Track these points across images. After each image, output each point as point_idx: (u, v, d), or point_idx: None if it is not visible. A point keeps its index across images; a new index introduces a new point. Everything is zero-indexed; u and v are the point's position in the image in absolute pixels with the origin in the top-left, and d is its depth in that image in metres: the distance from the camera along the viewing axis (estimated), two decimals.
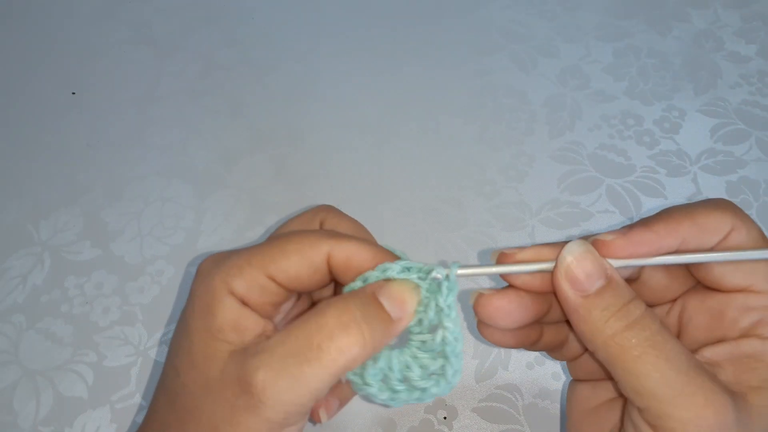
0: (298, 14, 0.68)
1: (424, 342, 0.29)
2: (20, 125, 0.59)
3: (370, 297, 0.27)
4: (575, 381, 0.35)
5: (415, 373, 0.28)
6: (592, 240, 0.28)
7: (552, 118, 0.58)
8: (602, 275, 0.26)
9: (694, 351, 0.28)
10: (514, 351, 0.45)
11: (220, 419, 0.25)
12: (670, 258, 0.28)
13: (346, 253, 0.28)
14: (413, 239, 0.50)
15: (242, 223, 0.52)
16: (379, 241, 0.33)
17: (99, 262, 0.50)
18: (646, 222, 0.28)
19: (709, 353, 0.28)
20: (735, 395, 0.25)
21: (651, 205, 0.52)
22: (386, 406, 0.32)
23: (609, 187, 0.53)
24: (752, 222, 0.28)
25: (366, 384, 0.28)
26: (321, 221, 0.33)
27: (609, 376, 0.29)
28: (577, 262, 0.27)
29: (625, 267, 0.28)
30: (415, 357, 0.29)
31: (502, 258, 0.29)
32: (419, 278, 0.28)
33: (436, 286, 0.28)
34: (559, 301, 0.28)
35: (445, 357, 0.28)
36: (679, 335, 0.31)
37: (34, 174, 0.56)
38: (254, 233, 0.51)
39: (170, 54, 0.64)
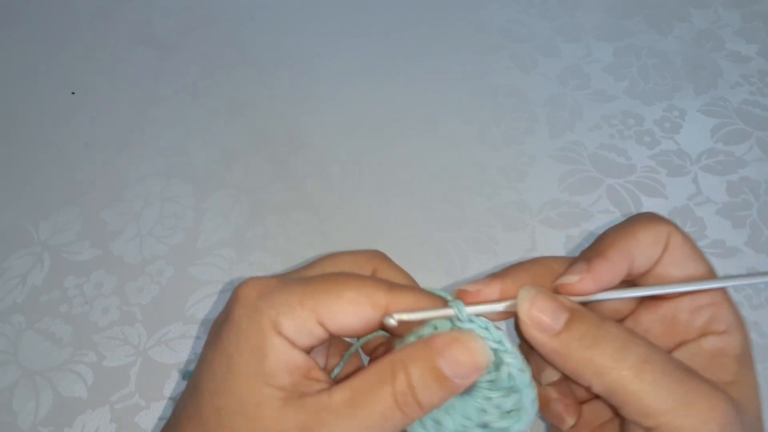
0: (298, 14, 0.68)
1: (492, 381, 0.27)
2: (20, 125, 0.59)
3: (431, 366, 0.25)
4: None
5: (493, 415, 0.27)
6: (557, 285, 0.28)
7: (552, 118, 0.58)
8: (563, 309, 0.26)
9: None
10: None
11: None
12: (632, 291, 0.28)
13: (404, 309, 0.27)
14: (413, 239, 0.50)
15: (242, 223, 0.52)
16: (379, 247, 0.33)
17: (98, 262, 0.50)
18: (598, 252, 0.28)
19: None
20: (728, 394, 0.26)
21: (651, 205, 0.52)
22: None
23: (609, 187, 0.53)
24: (684, 232, 0.29)
25: None
26: (374, 269, 0.31)
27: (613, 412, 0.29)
28: (534, 306, 0.26)
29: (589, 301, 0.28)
30: (487, 399, 0.28)
31: (462, 296, 0.28)
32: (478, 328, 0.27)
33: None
34: (537, 351, 0.27)
35: (517, 391, 0.27)
36: None
37: (34, 174, 0.55)
38: (254, 233, 0.51)
39: (170, 54, 0.64)
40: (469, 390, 0.28)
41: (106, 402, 0.43)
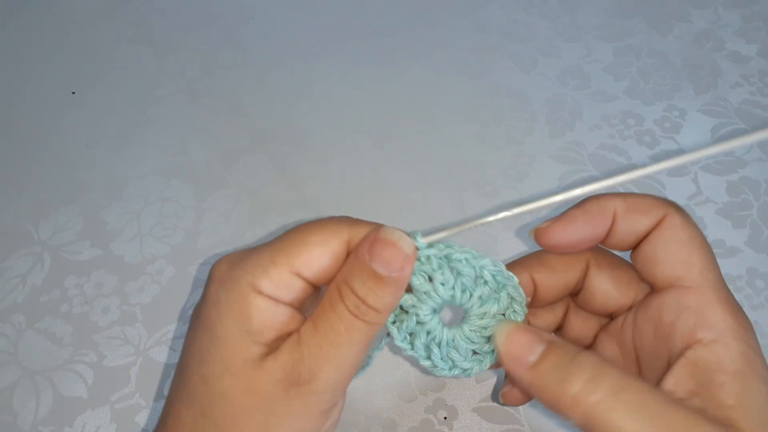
0: (298, 14, 0.68)
1: (480, 297, 0.29)
2: (20, 125, 0.59)
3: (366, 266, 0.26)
4: None
5: (460, 355, 0.30)
6: (533, 231, 0.29)
7: (552, 118, 0.58)
8: (539, 341, 0.26)
9: (659, 384, 0.26)
10: None
11: (272, 418, 0.25)
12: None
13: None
14: None
15: (242, 223, 0.52)
16: None
17: (99, 261, 0.50)
18: (579, 203, 0.29)
19: (672, 385, 0.26)
20: (720, 424, 0.23)
21: None
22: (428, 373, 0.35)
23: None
24: (689, 218, 0.28)
25: (413, 350, 0.29)
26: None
27: None
28: (510, 340, 0.26)
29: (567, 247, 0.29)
30: (468, 339, 0.30)
31: (539, 235, 0.30)
32: (492, 271, 0.29)
33: (505, 278, 0.29)
34: (516, 385, 0.28)
35: (503, 287, 0.30)
36: (636, 354, 0.30)
37: (34, 174, 0.55)
38: (254, 233, 0.51)
39: (170, 54, 0.64)
40: (463, 319, 0.30)
41: (107, 402, 0.43)
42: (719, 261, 0.28)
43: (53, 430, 0.42)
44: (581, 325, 0.34)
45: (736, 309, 0.26)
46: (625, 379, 0.23)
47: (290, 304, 0.27)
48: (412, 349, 0.29)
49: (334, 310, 0.26)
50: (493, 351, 0.30)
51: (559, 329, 0.35)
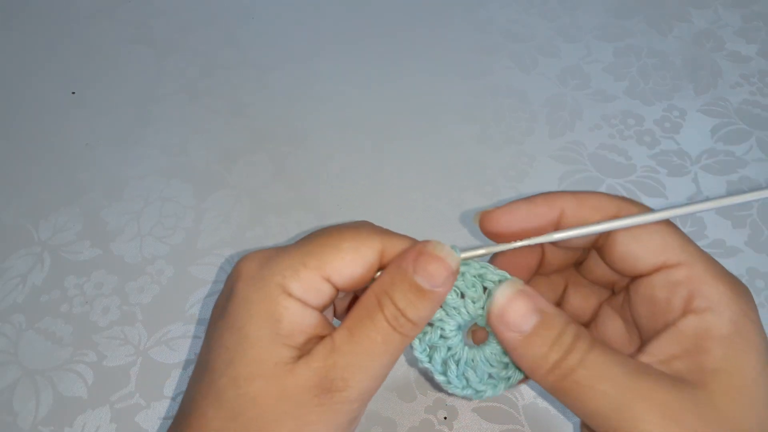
0: (298, 14, 0.68)
1: (504, 354, 0.29)
2: (20, 125, 0.59)
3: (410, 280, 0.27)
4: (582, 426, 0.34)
5: (476, 376, 0.29)
6: (478, 214, 0.29)
7: (552, 118, 0.58)
8: (534, 312, 0.26)
9: (642, 350, 0.27)
10: None
11: (303, 425, 0.25)
12: (561, 234, 0.28)
13: (399, 250, 0.27)
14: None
15: (242, 223, 0.52)
16: None
17: (99, 261, 0.50)
18: (529, 197, 0.29)
19: (657, 348, 0.26)
20: (687, 388, 0.24)
21: (651, 204, 0.52)
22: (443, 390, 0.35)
23: (609, 187, 0.53)
24: (639, 203, 0.28)
25: (430, 363, 0.29)
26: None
27: None
28: (509, 304, 0.26)
29: (528, 244, 0.29)
30: (487, 362, 0.29)
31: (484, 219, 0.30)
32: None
33: None
34: (498, 339, 0.28)
35: (515, 369, 0.29)
36: (638, 328, 0.30)
37: (34, 174, 0.56)
38: (254, 233, 0.51)
39: (170, 54, 0.64)
40: (488, 339, 0.29)
41: (106, 402, 0.43)
42: (719, 261, 0.28)
43: (53, 430, 0.42)
44: (580, 301, 0.33)
45: (728, 278, 0.26)
46: (593, 352, 0.24)
47: (317, 308, 0.27)
48: (430, 362, 0.29)
49: (372, 319, 0.26)
50: (509, 378, 0.29)
51: (557, 306, 0.35)
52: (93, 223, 0.52)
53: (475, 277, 0.28)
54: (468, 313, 0.28)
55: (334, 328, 0.27)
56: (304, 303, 0.26)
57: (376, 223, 0.36)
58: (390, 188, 0.54)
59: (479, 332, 0.33)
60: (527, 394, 0.43)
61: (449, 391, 0.29)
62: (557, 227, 0.29)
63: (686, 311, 0.26)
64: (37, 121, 0.59)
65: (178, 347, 0.46)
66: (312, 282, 0.26)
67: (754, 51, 0.62)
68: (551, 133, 0.57)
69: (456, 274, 0.27)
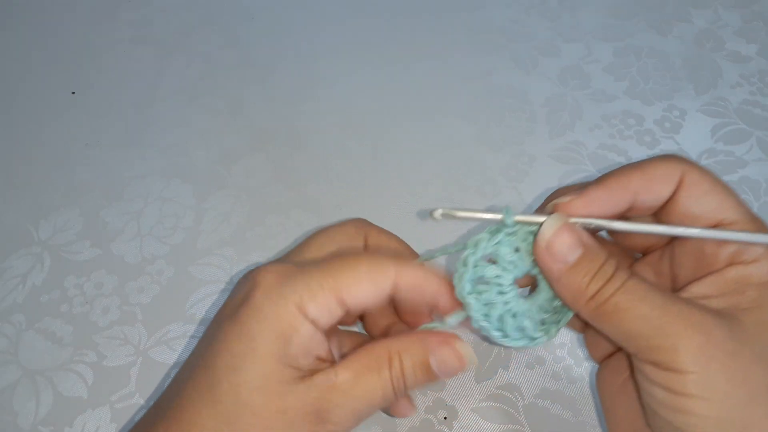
0: (298, 14, 0.68)
1: (555, 298, 0.31)
2: (20, 125, 0.59)
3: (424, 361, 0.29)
4: (600, 367, 0.35)
5: (531, 325, 0.30)
6: (553, 204, 0.30)
7: (552, 118, 0.58)
8: (579, 245, 0.28)
9: (682, 289, 0.29)
10: (513, 351, 0.45)
11: None
12: (646, 227, 0.29)
13: (412, 281, 0.29)
14: (414, 240, 0.50)
15: (242, 223, 0.52)
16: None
17: (99, 261, 0.50)
18: (600, 179, 0.30)
19: (695, 288, 0.28)
20: (722, 316, 0.25)
21: None
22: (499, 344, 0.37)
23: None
24: (704, 169, 0.29)
25: (487, 320, 0.30)
26: (365, 235, 0.34)
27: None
28: (555, 236, 0.28)
29: (599, 227, 0.30)
30: (540, 309, 0.31)
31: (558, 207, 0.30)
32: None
33: None
34: (542, 271, 0.29)
35: (565, 311, 0.31)
36: (673, 281, 0.31)
37: (34, 174, 0.56)
38: (254, 233, 0.51)
39: (170, 54, 0.64)
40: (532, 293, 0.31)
41: (107, 402, 0.43)
42: None
43: (53, 430, 0.42)
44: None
45: None
46: (632, 281, 0.26)
47: (326, 327, 0.28)
48: (487, 319, 0.30)
49: (380, 374, 0.28)
50: (559, 321, 0.31)
51: None
52: (93, 223, 0.52)
53: (527, 233, 0.30)
54: (525, 265, 0.30)
55: (329, 349, 0.29)
56: (316, 324, 0.27)
57: (376, 223, 0.36)
58: (390, 188, 0.54)
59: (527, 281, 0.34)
60: (527, 393, 0.43)
61: (506, 344, 0.31)
62: (631, 209, 0.30)
63: (732, 263, 0.27)
64: (37, 121, 0.59)
65: (178, 347, 0.46)
66: (327, 303, 0.27)
67: (754, 51, 0.62)
68: (551, 133, 0.57)
69: (465, 371, 0.30)
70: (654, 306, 0.25)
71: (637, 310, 0.25)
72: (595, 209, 0.29)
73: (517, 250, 0.31)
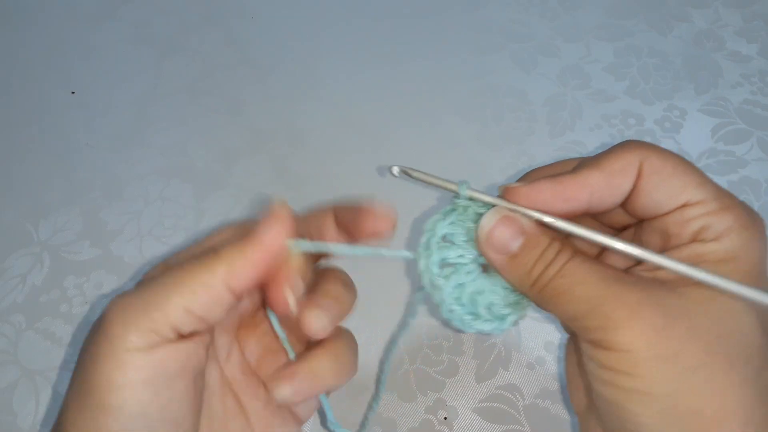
0: (298, 14, 0.68)
1: None
2: (20, 125, 0.59)
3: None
4: (566, 349, 0.35)
5: (501, 302, 0.30)
6: (503, 188, 0.30)
7: (552, 118, 0.58)
8: (519, 234, 0.28)
9: (637, 265, 0.28)
10: (514, 351, 0.45)
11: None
12: (602, 238, 0.28)
13: (241, 272, 0.29)
14: (413, 240, 0.50)
15: None
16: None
17: (98, 261, 0.50)
18: (565, 174, 0.29)
19: (649, 265, 0.28)
20: (666, 291, 0.26)
21: None
22: (459, 330, 0.36)
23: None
24: (664, 151, 0.28)
25: (459, 304, 0.30)
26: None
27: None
28: (494, 228, 0.28)
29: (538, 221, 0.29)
30: (505, 288, 0.30)
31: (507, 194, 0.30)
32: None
33: None
34: (487, 261, 0.29)
35: None
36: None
37: (34, 174, 0.55)
38: None
39: (170, 54, 0.64)
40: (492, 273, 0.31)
41: None
42: None
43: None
44: (584, 245, 0.34)
45: (739, 210, 0.27)
46: (573, 262, 0.27)
47: (185, 335, 0.28)
48: (458, 302, 0.30)
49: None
50: (524, 298, 0.30)
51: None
52: (93, 223, 0.52)
53: (477, 214, 0.30)
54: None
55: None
56: (150, 348, 0.27)
57: None
58: (390, 188, 0.54)
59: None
60: (527, 393, 0.43)
61: (475, 329, 0.30)
62: (588, 208, 0.29)
63: (693, 240, 0.27)
64: (37, 121, 0.59)
65: None
66: (157, 329, 0.27)
67: (754, 51, 0.62)
68: (551, 133, 0.57)
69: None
70: (590, 287, 0.26)
71: (576, 292, 0.26)
72: (541, 202, 0.29)
73: (469, 230, 0.30)
